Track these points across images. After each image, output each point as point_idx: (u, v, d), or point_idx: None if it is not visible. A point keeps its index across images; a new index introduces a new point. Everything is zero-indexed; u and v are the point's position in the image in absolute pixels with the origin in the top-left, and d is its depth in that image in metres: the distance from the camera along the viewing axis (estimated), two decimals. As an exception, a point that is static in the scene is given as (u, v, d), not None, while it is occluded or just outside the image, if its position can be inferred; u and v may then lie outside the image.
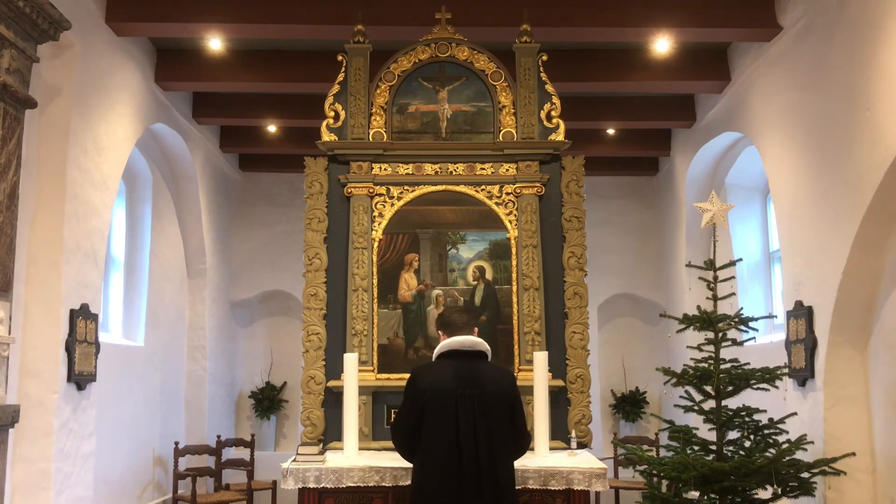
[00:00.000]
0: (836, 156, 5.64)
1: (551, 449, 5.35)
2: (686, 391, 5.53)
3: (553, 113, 6.09)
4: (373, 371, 5.77)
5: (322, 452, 5.05)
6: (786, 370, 5.44)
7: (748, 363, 5.37)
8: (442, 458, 3.85)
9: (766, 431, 5.26)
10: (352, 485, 4.78)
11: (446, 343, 4.13)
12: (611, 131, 9.49)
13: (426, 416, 3.92)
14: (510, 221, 5.99)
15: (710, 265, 5.48)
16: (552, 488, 4.82)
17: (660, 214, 10.64)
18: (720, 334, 5.35)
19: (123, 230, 8.24)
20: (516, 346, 5.84)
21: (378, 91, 6.14)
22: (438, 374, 4.05)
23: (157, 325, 8.55)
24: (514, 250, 5.96)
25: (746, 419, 5.26)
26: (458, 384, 3.97)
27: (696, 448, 5.22)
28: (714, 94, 8.07)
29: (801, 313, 6.12)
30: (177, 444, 7.99)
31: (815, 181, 6.02)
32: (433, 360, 4.09)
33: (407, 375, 5.75)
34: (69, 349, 5.82)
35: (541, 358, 5.45)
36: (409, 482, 4.86)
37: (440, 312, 4.32)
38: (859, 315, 5.63)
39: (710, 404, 5.34)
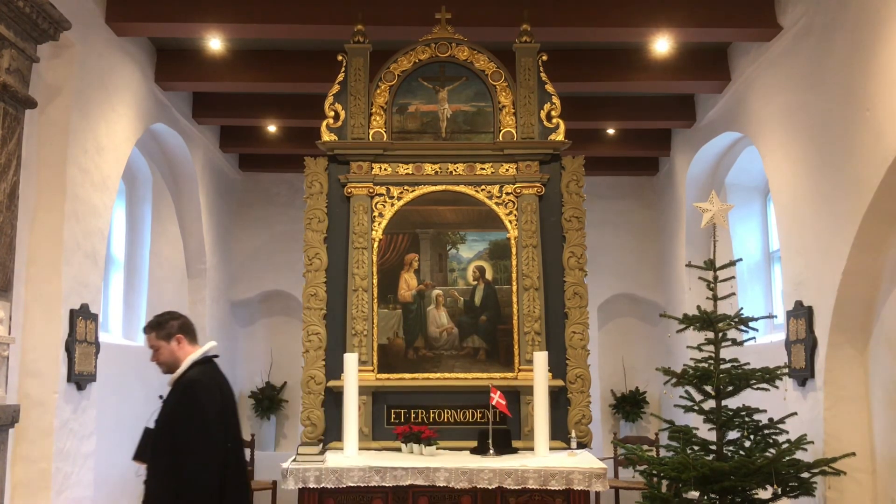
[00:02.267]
0: (836, 156, 5.64)
1: (551, 449, 5.36)
2: (686, 391, 5.53)
3: (553, 113, 6.09)
4: (373, 371, 5.77)
5: (322, 452, 5.05)
6: (786, 370, 5.44)
7: (748, 363, 5.37)
8: (242, 476, 3.58)
9: (766, 431, 5.25)
10: (352, 485, 4.79)
11: (210, 349, 3.76)
12: (611, 131, 9.48)
13: (228, 437, 3.53)
14: (510, 221, 5.99)
15: (710, 265, 5.48)
16: (552, 488, 4.83)
17: (660, 214, 10.64)
18: (720, 334, 5.34)
19: (123, 230, 8.23)
20: (516, 346, 5.84)
21: (378, 91, 6.14)
22: (222, 387, 3.63)
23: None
24: (514, 250, 5.95)
25: (746, 419, 5.26)
26: (230, 393, 3.71)
27: (696, 448, 5.22)
28: (714, 94, 8.07)
29: (801, 313, 6.11)
30: (177, 444, 7.98)
31: (815, 181, 6.01)
32: (187, 368, 3.63)
33: (407, 376, 5.83)
34: (69, 349, 5.81)
35: (541, 358, 5.45)
36: (409, 482, 4.87)
37: (179, 318, 3.79)
38: (859, 315, 5.62)
39: (710, 404, 5.34)
